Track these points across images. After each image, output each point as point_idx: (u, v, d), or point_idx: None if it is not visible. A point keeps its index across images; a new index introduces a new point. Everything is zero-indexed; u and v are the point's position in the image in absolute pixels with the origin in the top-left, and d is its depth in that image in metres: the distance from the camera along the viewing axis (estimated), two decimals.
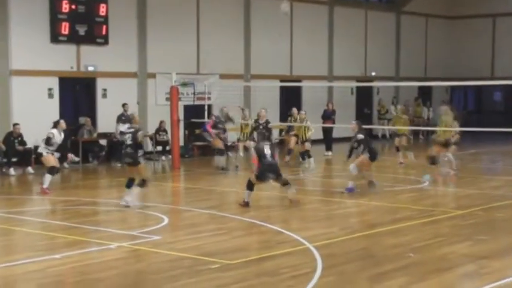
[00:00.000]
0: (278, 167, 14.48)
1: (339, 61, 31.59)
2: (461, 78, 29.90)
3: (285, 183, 14.68)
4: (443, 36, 36.91)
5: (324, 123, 25.58)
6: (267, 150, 14.13)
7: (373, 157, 16.12)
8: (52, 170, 16.56)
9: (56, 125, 16.84)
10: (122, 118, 22.54)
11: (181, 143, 24.07)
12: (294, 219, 13.88)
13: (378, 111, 32.79)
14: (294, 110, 22.86)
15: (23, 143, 20.83)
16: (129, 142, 14.44)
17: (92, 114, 23.71)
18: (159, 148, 24.43)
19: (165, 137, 24.29)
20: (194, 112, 25.14)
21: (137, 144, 14.45)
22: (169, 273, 9.39)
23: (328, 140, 26.11)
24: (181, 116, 23.46)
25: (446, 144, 18.21)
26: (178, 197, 17.09)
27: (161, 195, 17.32)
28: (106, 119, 23.43)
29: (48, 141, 16.54)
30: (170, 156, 22.82)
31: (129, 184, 14.57)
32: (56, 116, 22.53)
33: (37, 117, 21.72)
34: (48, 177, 16.50)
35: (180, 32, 25.85)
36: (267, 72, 28.28)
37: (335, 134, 27.30)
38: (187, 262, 9.96)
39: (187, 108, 25.63)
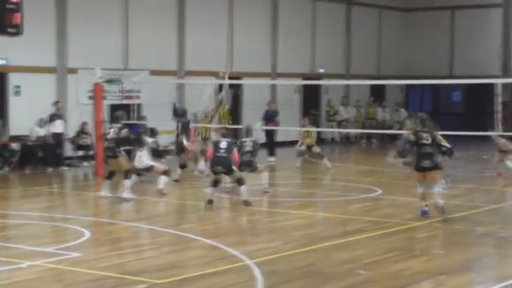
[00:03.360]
0: (229, 162, 15.64)
1: (283, 57, 31.64)
2: (417, 77, 30.30)
3: (240, 182, 15.71)
4: (398, 31, 37.34)
5: (266, 125, 25.59)
6: (223, 145, 15.71)
7: (415, 166, 14.50)
8: (167, 172, 17.69)
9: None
10: (54, 118, 22.64)
11: None
12: (233, 232, 13.82)
13: (327, 112, 32.97)
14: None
15: None
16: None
17: (3, 114, 23.26)
18: (81, 153, 24.11)
19: (87, 140, 23.98)
20: None
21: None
22: None
23: (270, 144, 26.12)
24: (106, 116, 23.19)
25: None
26: (102, 208, 16.85)
27: (82, 206, 17.08)
28: (19, 120, 23.02)
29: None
30: (93, 162, 22.53)
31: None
32: None
33: None
34: (164, 179, 17.52)
35: (105, 22, 25.56)
36: (204, 69, 28.16)
37: (279, 138, 27.35)
38: (111, 282, 9.79)
39: (113, 107, 25.32)
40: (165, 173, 17.54)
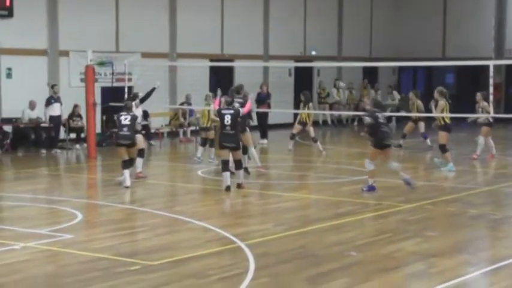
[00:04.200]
0: (236, 139, 15.57)
1: (275, 39, 31.61)
2: (410, 59, 30.26)
3: (238, 164, 15.66)
4: (390, 12, 37.28)
5: (258, 107, 25.60)
6: (227, 121, 15.40)
7: (377, 144, 15.43)
8: (143, 153, 17.29)
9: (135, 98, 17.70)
10: (51, 101, 22.71)
11: (98, 129, 23.80)
12: (224, 214, 13.90)
13: (319, 94, 32.97)
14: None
15: None
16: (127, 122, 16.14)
17: None
18: (73, 135, 24.09)
19: (79, 123, 23.98)
20: (113, 95, 24.86)
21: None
22: (82, 276, 9.27)
23: (263, 126, 26.15)
24: (98, 99, 23.18)
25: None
26: (94, 191, 16.90)
27: (75, 188, 17.11)
28: (11, 102, 23.00)
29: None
30: (85, 145, 22.54)
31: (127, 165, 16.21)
32: None
33: None
34: (140, 160, 17.08)
35: (97, 4, 25.49)
36: (195, 51, 28.14)
37: (271, 120, 27.37)
38: (103, 263, 9.84)
39: (104, 90, 25.34)
40: (141, 152, 17.08)
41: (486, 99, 19.74)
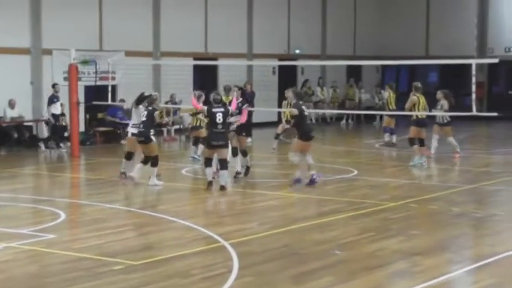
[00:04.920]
0: (226, 137, 15.48)
1: (259, 37, 31.60)
2: (393, 57, 30.32)
3: (223, 164, 15.31)
4: (373, 10, 37.33)
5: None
6: (219, 119, 15.25)
7: (303, 136, 15.73)
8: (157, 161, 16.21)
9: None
10: (54, 100, 23.06)
11: (82, 128, 23.73)
12: (208, 213, 13.89)
13: (305, 92, 32.92)
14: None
15: None
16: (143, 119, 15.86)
17: None
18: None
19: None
20: (96, 94, 24.81)
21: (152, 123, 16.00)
22: (65, 276, 9.25)
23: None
24: (81, 98, 23.10)
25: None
26: (78, 190, 16.84)
27: (58, 187, 17.06)
28: None
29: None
30: (69, 144, 22.46)
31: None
32: None
33: None
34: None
35: (80, 3, 25.37)
36: (179, 50, 28.08)
37: (255, 119, 27.35)
38: (87, 263, 9.82)
39: (88, 89, 25.25)
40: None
41: (447, 97, 19.98)
